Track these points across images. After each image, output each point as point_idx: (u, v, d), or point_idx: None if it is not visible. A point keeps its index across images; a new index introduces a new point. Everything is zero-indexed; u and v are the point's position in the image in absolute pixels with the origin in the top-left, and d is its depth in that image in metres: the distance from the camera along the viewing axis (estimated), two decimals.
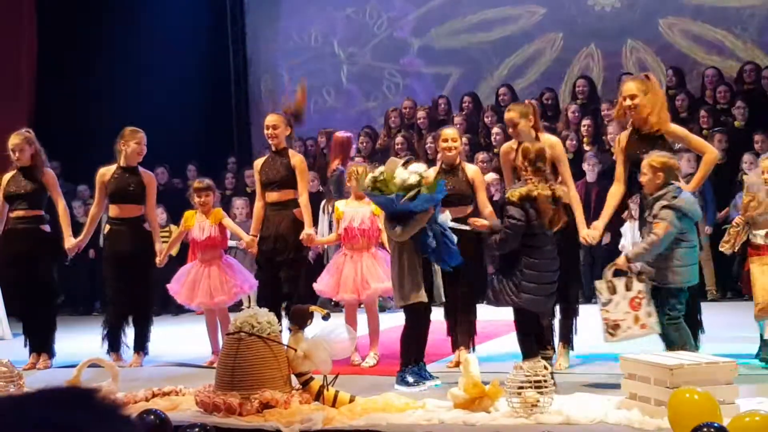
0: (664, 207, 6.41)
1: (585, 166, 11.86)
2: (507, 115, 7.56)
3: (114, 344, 8.63)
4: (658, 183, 6.51)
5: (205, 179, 8.91)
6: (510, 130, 7.55)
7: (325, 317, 6.45)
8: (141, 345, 8.62)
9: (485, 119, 13.49)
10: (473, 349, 7.49)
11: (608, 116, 12.69)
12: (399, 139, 13.18)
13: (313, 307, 6.46)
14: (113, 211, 8.65)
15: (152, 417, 5.36)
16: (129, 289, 8.59)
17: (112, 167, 8.68)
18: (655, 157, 6.59)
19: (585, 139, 12.56)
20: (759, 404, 5.28)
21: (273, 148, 8.40)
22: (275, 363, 6.04)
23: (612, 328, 6.45)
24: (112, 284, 8.69)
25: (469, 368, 5.74)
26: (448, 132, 7.79)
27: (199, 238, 8.45)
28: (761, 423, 4.70)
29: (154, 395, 6.41)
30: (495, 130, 12.78)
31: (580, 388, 6.24)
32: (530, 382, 5.48)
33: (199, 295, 8.37)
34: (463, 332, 7.55)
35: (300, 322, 6.28)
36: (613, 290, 6.49)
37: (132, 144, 8.61)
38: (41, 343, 8.69)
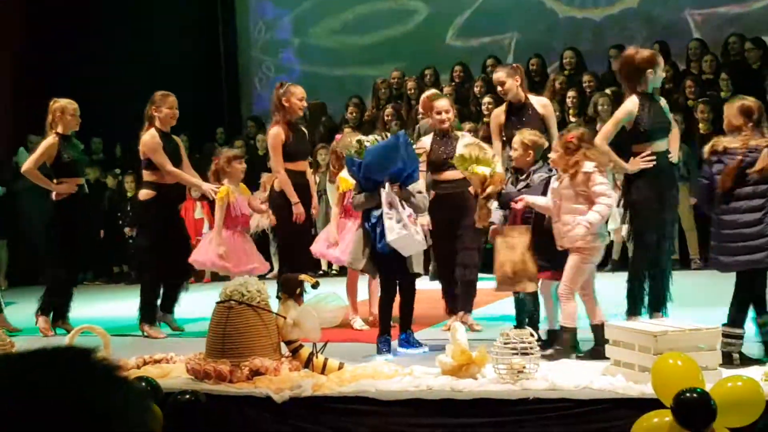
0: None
1: None
2: (495, 76, 8.07)
3: (154, 315, 8.55)
4: (529, 160, 6.84)
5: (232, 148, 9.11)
6: (499, 89, 7.96)
7: (315, 286, 6.51)
8: (171, 308, 8.67)
9: (475, 89, 13.52)
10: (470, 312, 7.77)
11: (591, 87, 12.76)
12: (388, 110, 13.20)
13: (302, 276, 6.52)
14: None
15: (143, 384, 5.42)
16: (177, 254, 8.54)
17: (154, 132, 8.41)
18: (526, 135, 6.89)
19: (571, 111, 12.60)
20: (741, 369, 5.37)
21: (293, 119, 8.41)
22: (265, 331, 6.10)
23: (405, 225, 6.73)
24: (158, 251, 8.48)
25: (456, 335, 5.82)
26: (441, 104, 7.97)
27: (243, 211, 8.60)
28: (743, 388, 4.79)
29: (145, 363, 6.47)
30: (486, 99, 12.81)
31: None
32: (516, 348, 5.56)
33: (245, 262, 8.56)
34: (463, 295, 7.69)
35: (290, 290, 6.34)
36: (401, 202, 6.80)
37: (164, 109, 8.43)
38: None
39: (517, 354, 5.55)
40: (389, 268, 6.96)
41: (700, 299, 7.98)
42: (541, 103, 8.02)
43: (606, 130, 7.03)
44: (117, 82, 14.37)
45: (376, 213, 6.84)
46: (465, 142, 7.44)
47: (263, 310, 6.11)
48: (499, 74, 7.95)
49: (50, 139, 8.72)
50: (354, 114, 13.71)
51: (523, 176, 6.87)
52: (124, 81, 14.14)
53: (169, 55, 15.02)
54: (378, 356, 6.77)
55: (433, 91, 9.62)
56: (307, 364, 6.08)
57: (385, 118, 12.95)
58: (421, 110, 9.32)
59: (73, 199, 8.77)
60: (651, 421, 4.78)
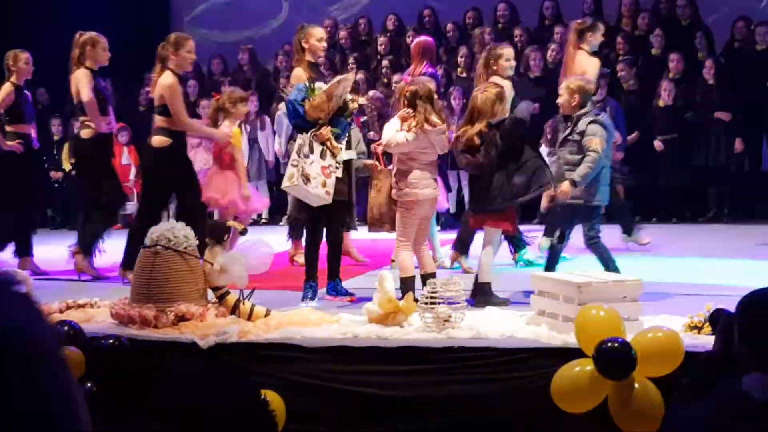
0: (592, 122, 6.67)
1: None
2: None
3: None
4: (574, 105, 6.75)
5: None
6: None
7: (243, 232, 6.48)
8: None
9: (407, 40, 13.43)
10: None
11: (523, 42, 12.77)
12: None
13: (231, 222, 6.48)
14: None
15: (66, 328, 5.36)
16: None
17: (173, 76, 7.88)
18: (572, 80, 6.91)
19: None
20: (662, 321, 5.47)
21: (315, 60, 8.08)
22: (191, 277, 6.05)
23: (305, 177, 6.69)
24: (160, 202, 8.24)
25: (384, 284, 5.83)
26: (511, 52, 8.34)
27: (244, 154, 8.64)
28: (663, 338, 4.89)
29: (68, 307, 6.38)
30: None
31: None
32: (443, 297, 5.59)
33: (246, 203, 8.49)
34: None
35: (217, 236, 6.29)
36: (311, 149, 6.73)
37: (183, 53, 7.92)
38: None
39: (443, 303, 5.58)
40: (317, 212, 6.95)
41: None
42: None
43: None
44: (40, 24, 14.05)
45: None
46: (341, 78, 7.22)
47: (190, 256, 6.06)
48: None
49: (85, 72, 8.27)
50: (284, 63, 13.58)
51: (570, 122, 6.86)
52: (47, 22, 13.83)
53: None
54: (301, 303, 6.76)
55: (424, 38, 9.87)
56: (234, 310, 6.06)
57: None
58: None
59: (103, 140, 8.52)
60: (573, 369, 4.85)
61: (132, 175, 13.12)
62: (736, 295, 3.46)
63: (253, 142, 12.73)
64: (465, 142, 6.65)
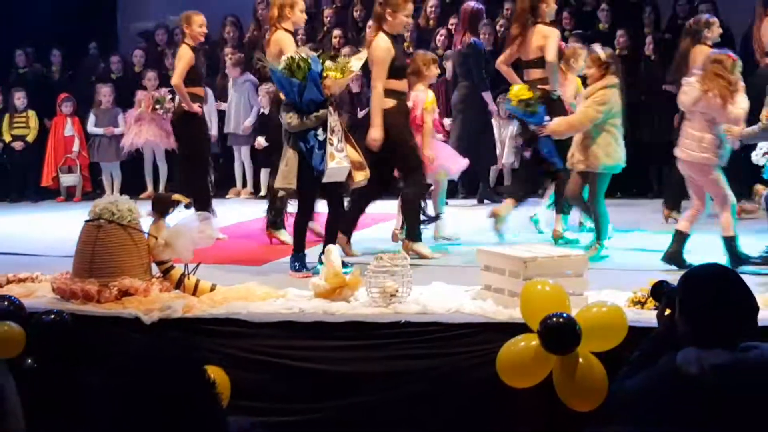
0: None
1: (447, 65, 11.84)
2: None
3: None
4: None
5: None
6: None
7: (188, 206, 6.41)
8: None
9: (354, 13, 13.34)
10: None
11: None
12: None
13: (176, 196, 6.40)
14: None
15: (6, 303, 5.28)
16: None
17: (386, 39, 7.61)
18: None
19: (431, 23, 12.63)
20: (606, 296, 5.50)
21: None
22: (135, 251, 5.97)
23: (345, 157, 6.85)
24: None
25: (330, 257, 5.82)
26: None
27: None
28: (608, 313, 4.92)
29: (8, 281, 6.28)
30: (371, 23, 12.63)
31: (438, 279, 6.33)
32: (390, 272, 5.58)
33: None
34: None
35: (162, 209, 6.21)
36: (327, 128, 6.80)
37: (401, 16, 7.62)
38: None
39: (390, 277, 5.57)
40: (321, 187, 6.96)
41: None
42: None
43: None
44: None
45: (317, 135, 6.76)
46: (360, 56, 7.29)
47: (134, 230, 5.98)
48: None
49: (287, 34, 8.02)
50: (231, 33, 13.44)
51: None
52: None
53: None
54: (292, 272, 6.86)
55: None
56: (179, 285, 6.00)
57: None
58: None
59: None
60: (518, 344, 4.87)
61: (76, 147, 12.94)
62: (678, 270, 3.48)
63: None
64: None
